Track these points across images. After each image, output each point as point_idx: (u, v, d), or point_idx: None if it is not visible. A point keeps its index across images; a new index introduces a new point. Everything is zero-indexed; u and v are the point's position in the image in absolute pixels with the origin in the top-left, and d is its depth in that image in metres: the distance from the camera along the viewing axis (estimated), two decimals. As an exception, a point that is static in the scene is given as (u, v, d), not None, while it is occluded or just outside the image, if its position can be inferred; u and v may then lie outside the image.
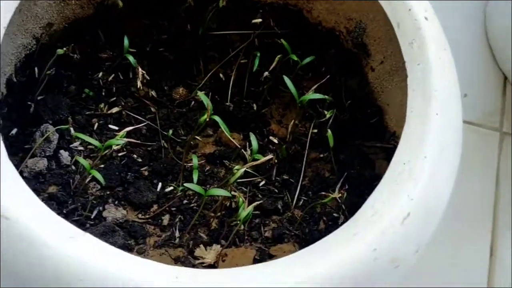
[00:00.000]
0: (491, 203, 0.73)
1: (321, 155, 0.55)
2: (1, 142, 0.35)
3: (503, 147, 0.76)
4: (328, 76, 0.52)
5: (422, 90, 0.38)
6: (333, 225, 0.50)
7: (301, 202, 0.52)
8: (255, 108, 0.57)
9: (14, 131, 0.49)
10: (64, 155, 0.50)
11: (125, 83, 0.55)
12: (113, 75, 0.55)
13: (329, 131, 0.47)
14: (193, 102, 0.57)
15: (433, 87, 0.37)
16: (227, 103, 0.56)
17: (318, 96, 0.46)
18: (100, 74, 0.55)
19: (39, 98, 0.51)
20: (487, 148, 0.76)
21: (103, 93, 0.54)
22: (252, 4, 0.60)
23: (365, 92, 0.57)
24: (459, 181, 0.73)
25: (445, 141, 0.37)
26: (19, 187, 0.34)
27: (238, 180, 0.52)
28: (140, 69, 0.48)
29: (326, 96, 0.48)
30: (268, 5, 0.60)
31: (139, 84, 0.49)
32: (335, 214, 0.51)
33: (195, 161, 0.46)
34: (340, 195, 0.43)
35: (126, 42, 0.47)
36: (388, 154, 0.54)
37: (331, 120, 0.48)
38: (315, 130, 0.55)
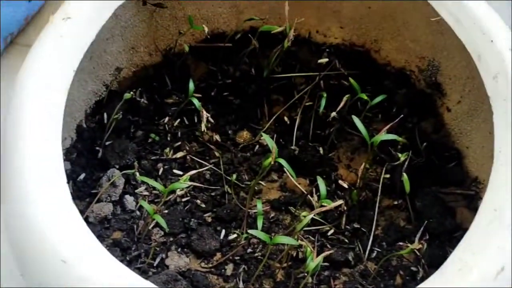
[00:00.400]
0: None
1: (395, 202, 0.51)
2: (67, 187, 0.34)
3: None
4: (401, 116, 0.49)
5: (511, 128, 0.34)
6: (411, 280, 0.45)
7: (374, 254, 0.48)
8: (321, 151, 0.54)
9: (82, 176, 0.50)
10: (129, 200, 0.50)
11: (190, 128, 0.55)
12: (178, 120, 0.55)
13: (404, 175, 0.43)
14: (257, 146, 0.55)
15: (525, 124, 0.33)
16: (292, 147, 0.54)
17: (391, 136, 0.43)
18: (166, 119, 0.55)
19: (107, 143, 0.52)
20: None
21: (169, 138, 0.54)
22: (317, 46, 0.59)
23: (441, 134, 0.53)
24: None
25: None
26: (80, 231, 0.33)
27: (305, 229, 0.49)
28: (204, 112, 0.48)
29: (400, 138, 0.44)
30: (333, 47, 0.59)
31: (203, 127, 0.49)
32: (413, 268, 0.47)
33: (259, 206, 0.44)
34: (420, 246, 0.39)
35: (191, 85, 0.47)
36: (469, 201, 0.49)
37: (406, 164, 0.45)
38: (387, 175, 0.52)
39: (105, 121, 0.52)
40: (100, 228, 0.48)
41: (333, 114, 0.50)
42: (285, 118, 0.57)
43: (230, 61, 0.58)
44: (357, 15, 0.55)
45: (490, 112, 0.38)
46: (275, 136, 0.55)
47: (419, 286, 0.30)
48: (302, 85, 0.58)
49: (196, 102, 0.47)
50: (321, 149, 0.55)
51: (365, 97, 0.47)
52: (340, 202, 0.40)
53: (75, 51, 0.38)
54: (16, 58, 0.77)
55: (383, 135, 0.42)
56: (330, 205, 0.40)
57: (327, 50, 0.58)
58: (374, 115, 0.56)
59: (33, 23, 0.81)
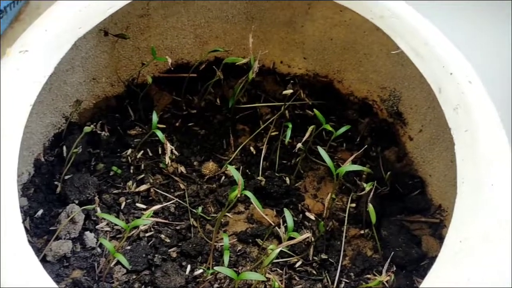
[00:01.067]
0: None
1: (361, 232, 0.51)
2: (22, 226, 0.33)
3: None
4: (366, 147, 0.49)
5: (472, 159, 0.34)
6: (379, 311, 0.45)
7: (342, 285, 0.48)
8: (288, 182, 0.54)
9: (40, 212, 0.48)
10: (90, 236, 0.48)
11: (153, 160, 0.54)
12: (141, 151, 0.54)
13: (370, 206, 0.43)
14: (223, 177, 0.55)
15: (484, 155, 0.34)
16: (259, 178, 0.54)
17: (356, 167, 0.43)
18: (129, 151, 0.54)
19: (66, 177, 0.50)
20: None
21: (131, 171, 0.53)
22: (282, 76, 0.60)
23: (404, 162, 0.54)
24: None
25: (504, 212, 0.33)
26: (37, 274, 0.32)
27: (273, 261, 0.48)
28: (168, 145, 0.47)
29: (365, 168, 0.45)
30: (297, 77, 0.59)
31: (167, 159, 0.47)
32: (380, 298, 0.46)
33: (226, 241, 0.43)
34: (388, 278, 0.38)
35: (154, 117, 0.46)
36: (434, 229, 0.50)
37: (371, 194, 0.45)
38: (353, 205, 0.52)
39: (65, 154, 0.50)
40: (59, 267, 0.46)
41: (299, 145, 0.49)
42: (251, 149, 0.56)
43: (194, 91, 0.58)
44: (319, 46, 0.56)
45: (451, 142, 0.39)
46: (241, 167, 0.55)
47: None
48: (267, 115, 0.58)
49: (160, 134, 0.46)
50: (287, 179, 0.54)
51: (330, 128, 0.47)
52: (307, 235, 0.39)
53: (32, 84, 0.37)
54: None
55: (348, 166, 0.42)
56: (297, 237, 0.39)
57: (291, 81, 0.58)
58: (339, 144, 0.57)
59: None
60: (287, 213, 0.42)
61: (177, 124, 0.57)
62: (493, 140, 0.35)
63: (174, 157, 0.53)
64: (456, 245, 0.32)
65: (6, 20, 0.80)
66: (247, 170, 0.55)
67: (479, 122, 0.35)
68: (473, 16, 0.82)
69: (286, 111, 0.57)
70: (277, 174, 0.54)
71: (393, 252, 0.45)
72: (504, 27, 0.79)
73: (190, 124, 0.57)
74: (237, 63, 0.49)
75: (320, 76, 0.59)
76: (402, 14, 0.41)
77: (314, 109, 0.48)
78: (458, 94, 0.37)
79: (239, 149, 0.56)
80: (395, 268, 0.46)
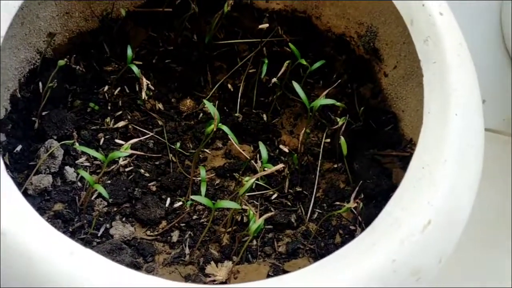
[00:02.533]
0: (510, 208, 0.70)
1: (335, 166, 0.53)
2: (1, 160, 0.33)
3: (526, 154, 0.73)
4: (339, 81, 0.50)
5: (440, 90, 0.35)
6: (349, 238, 0.47)
7: (315, 215, 0.50)
8: (265, 118, 0.55)
9: (18, 147, 0.48)
10: (70, 171, 0.49)
11: (131, 97, 0.54)
12: (119, 88, 0.54)
13: (342, 138, 0.45)
14: (201, 114, 0.55)
15: (452, 86, 0.35)
16: (236, 114, 0.55)
17: (329, 101, 0.44)
18: (106, 87, 0.54)
19: (43, 113, 0.50)
20: (508, 154, 0.73)
21: (109, 107, 0.53)
22: (260, 11, 0.59)
23: (379, 99, 0.55)
24: (479, 187, 0.71)
25: (467, 144, 0.34)
26: (19, 204, 0.33)
27: (250, 194, 0.50)
28: (144, 80, 0.47)
29: (338, 103, 0.46)
30: (275, 13, 0.59)
31: (143, 95, 0.48)
32: (351, 227, 0.49)
33: (203, 173, 0.44)
34: (355, 205, 0.40)
35: (129, 51, 0.46)
36: (405, 163, 0.51)
37: (343, 128, 0.46)
38: (328, 140, 0.53)
39: (41, 90, 0.50)
40: (40, 200, 0.47)
41: (274, 80, 0.50)
42: (229, 86, 0.57)
43: (171, 27, 0.57)
44: (298, -19, 0.55)
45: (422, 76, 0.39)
46: (218, 103, 0.55)
47: (351, 242, 0.32)
48: (245, 52, 0.58)
49: (135, 69, 0.46)
50: (264, 116, 0.55)
51: (305, 63, 0.48)
52: (281, 165, 0.41)
53: (2, 15, 0.36)
54: None
55: (322, 100, 0.43)
56: (271, 168, 0.41)
57: (268, 15, 0.58)
58: (315, 82, 0.57)
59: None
60: (262, 146, 0.44)
61: (153, 60, 0.56)
62: (461, 70, 0.36)
63: (151, 94, 0.54)
64: (419, 171, 0.34)
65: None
66: (225, 107, 0.56)
67: (447, 53, 0.36)
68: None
69: (264, 48, 0.57)
70: (254, 111, 0.55)
71: (361, 182, 0.47)
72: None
73: (167, 61, 0.56)
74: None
75: (298, 12, 0.58)
76: None
77: (290, 44, 0.49)
78: (429, 26, 0.37)
79: (216, 86, 0.56)
80: (365, 199, 0.48)
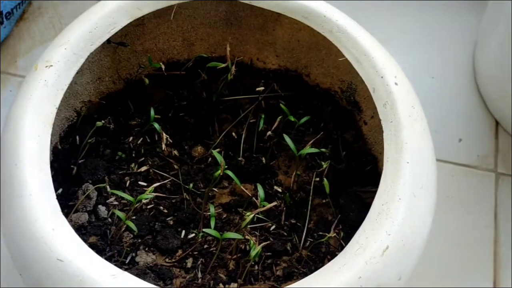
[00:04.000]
0: (491, 238, 0.77)
1: (324, 201, 0.62)
2: (57, 203, 0.43)
3: (499, 186, 0.81)
4: (322, 133, 0.60)
5: (395, 143, 0.45)
6: (335, 262, 0.56)
7: (307, 243, 0.59)
8: (264, 161, 0.65)
9: (60, 190, 0.58)
10: (102, 209, 0.59)
11: (151, 145, 0.65)
12: (141, 138, 0.64)
13: (325, 180, 0.54)
14: (210, 159, 0.65)
15: (404, 140, 0.45)
16: (240, 158, 0.64)
17: (314, 150, 0.54)
18: (131, 138, 0.64)
19: (80, 161, 0.60)
20: (484, 188, 0.80)
21: (133, 155, 0.63)
22: (258, 71, 0.70)
23: (360, 143, 0.65)
24: (460, 219, 0.78)
25: (417, 185, 0.44)
26: (71, 237, 0.43)
27: (251, 226, 0.60)
28: (164, 134, 0.57)
29: (322, 150, 0.56)
30: (272, 72, 0.69)
31: (163, 146, 0.58)
32: (337, 253, 0.58)
33: (212, 210, 0.54)
34: (335, 234, 0.50)
35: (152, 112, 0.57)
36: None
37: (326, 171, 0.56)
38: (317, 179, 0.63)
39: (78, 142, 0.61)
40: (79, 234, 0.56)
41: (269, 133, 0.60)
42: (233, 134, 0.67)
43: (184, 86, 0.68)
44: (289, 46, 0.66)
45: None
46: (224, 150, 0.65)
47: (328, 263, 0.41)
48: (246, 105, 0.68)
49: (157, 126, 0.57)
50: (263, 159, 0.65)
51: (293, 119, 0.58)
52: (274, 203, 0.50)
53: (56, 91, 0.47)
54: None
55: (308, 149, 0.53)
56: (267, 206, 0.51)
57: (265, 74, 0.68)
58: (306, 129, 0.67)
59: (0, 51, 0.88)
60: (259, 187, 0.54)
61: (170, 114, 0.67)
62: (411, 128, 0.46)
63: (168, 142, 0.64)
64: (379, 207, 0.43)
65: (13, 20, 0.90)
66: (230, 152, 0.66)
67: (401, 115, 0.46)
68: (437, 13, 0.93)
69: (262, 102, 0.67)
70: (254, 155, 0.65)
71: (341, 215, 0.56)
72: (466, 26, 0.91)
73: (181, 114, 0.67)
74: (218, 67, 0.59)
75: (290, 71, 0.69)
76: (347, 29, 0.51)
77: (281, 104, 0.59)
78: (386, 93, 0.47)
79: (222, 134, 0.66)
80: (348, 229, 0.58)
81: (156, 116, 0.62)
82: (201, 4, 0.58)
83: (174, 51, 0.67)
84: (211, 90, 0.66)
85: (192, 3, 0.57)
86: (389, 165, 0.44)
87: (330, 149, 0.63)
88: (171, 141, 0.61)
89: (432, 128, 0.53)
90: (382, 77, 0.48)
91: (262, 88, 0.60)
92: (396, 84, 0.48)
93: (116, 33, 0.54)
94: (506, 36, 0.71)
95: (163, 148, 0.60)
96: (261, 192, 0.53)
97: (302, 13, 0.53)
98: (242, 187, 0.61)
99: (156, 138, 0.65)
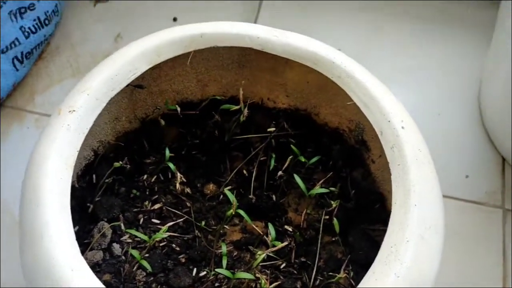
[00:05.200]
0: (499, 275, 0.77)
1: (333, 239, 0.63)
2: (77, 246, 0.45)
3: (506, 223, 0.81)
4: (331, 173, 0.62)
5: (403, 186, 0.47)
6: (345, 301, 0.57)
7: (317, 282, 0.60)
8: (274, 199, 0.66)
9: (76, 228, 0.60)
10: (116, 247, 0.60)
11: (165, 183, 0.66)
12: (155, 176, 0.66)
13: (335, 219, 0.56)
14: (221, 196, 0.67)
15: (411, 183, 0.46)
16: (250, 196, 0.66)
17: (324, 190, 0.56)
18: (145, 176, 0.66)
19: (96, 199, 0.62)
20: (491, 224, 0.81)
21: (147, 192, 0.65)
22: (269, 110, 0.72)
23: (368, 181, 0.66)
24: (468, 255, 0.79)
25: (425, 226, 0.45)
26: (89, 276, 0.44)
27: (262, 263, 0.61)
28: (179, 174, 0.59)
29: (331, 189, 0.57)
30: (282, 111, 0.71)
31: (178, 185, 0.60)
32: (347, 292, 0.58)
33: (224, 248, 0.55)
34: (345, 275, 0.51)
35: (167, 152, 0.59)
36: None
37: (336, 210, 0.57)
38: (327, 217, 0.64)
39: (94, 181, 0.63)
40: (93, 271, 0.58)
41: (280, 172, 0.62)
42: (244, 171, 0.68)
43: (197, 125, 0.70)
44: (298, 87, 0.68)
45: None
46: (236, 187, 0.67)
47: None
48: (257, 143, 0.70)
49: (172, 166, 0.59)
50: (274, 196, 0.66)
51: (303, 159, 0.59)
52: (285, 243, 0.51)
53: (78, 135, 0.49)
54: (5, 118, 0.88)
55: (317, 189, 0.55)
56: (278, 245, 0.52)
57: (275, 113, 0.70)
58: (315, 167, 0.69)
59: (19, 88, 0.92)
60: (270, 226, 0.55)
61: (183, 152, 0.69)
62: (418, 171, 0.48)
63: (181, 180, 0.66)
64: (388, 249, 0.44)
65: (32, 60, 0.94)
66: (241, 189, 0.67)
67: (408, 158, 0.48)
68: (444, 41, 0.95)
69: (272, 140, 0.69)
70: (265, 193, 0.66)
71: (351, 254, 0.57)
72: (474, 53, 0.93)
73: (194, 152, 0.69)
74: (231, 109, 0.62)
75: (300, 110, 0.71)
76: (355, 75, 0.54)
77: (291, 145, 0.61)
78: (393, 137, 0.49)
79: (234, 172, 0.68)
80: (359, 267, 0.58)
81: (170, 154, 0.64)
82: (215, 49, 0.61)
83: (188, 91, 0.69)
84: (224, 129, 0.68)
85: (207, 48, 0.59)
86: (397, 207, 0.46)
87: (339, 187, 0.64)
88: (185, 180, 0.63)
89: (439, 164, 0.54)
90: (389, 121, 0.50)
91: (274, 129, 0.62)
92: (403, 128, 0.49)
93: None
94: (510, 74, 0.72)
95: (177, 187, 0.62)
96: (272, 232, 0.54)
97: (312, 60, 0.55)
98: (253, 225, 0.62)
99: (170, 176, 0.67)
